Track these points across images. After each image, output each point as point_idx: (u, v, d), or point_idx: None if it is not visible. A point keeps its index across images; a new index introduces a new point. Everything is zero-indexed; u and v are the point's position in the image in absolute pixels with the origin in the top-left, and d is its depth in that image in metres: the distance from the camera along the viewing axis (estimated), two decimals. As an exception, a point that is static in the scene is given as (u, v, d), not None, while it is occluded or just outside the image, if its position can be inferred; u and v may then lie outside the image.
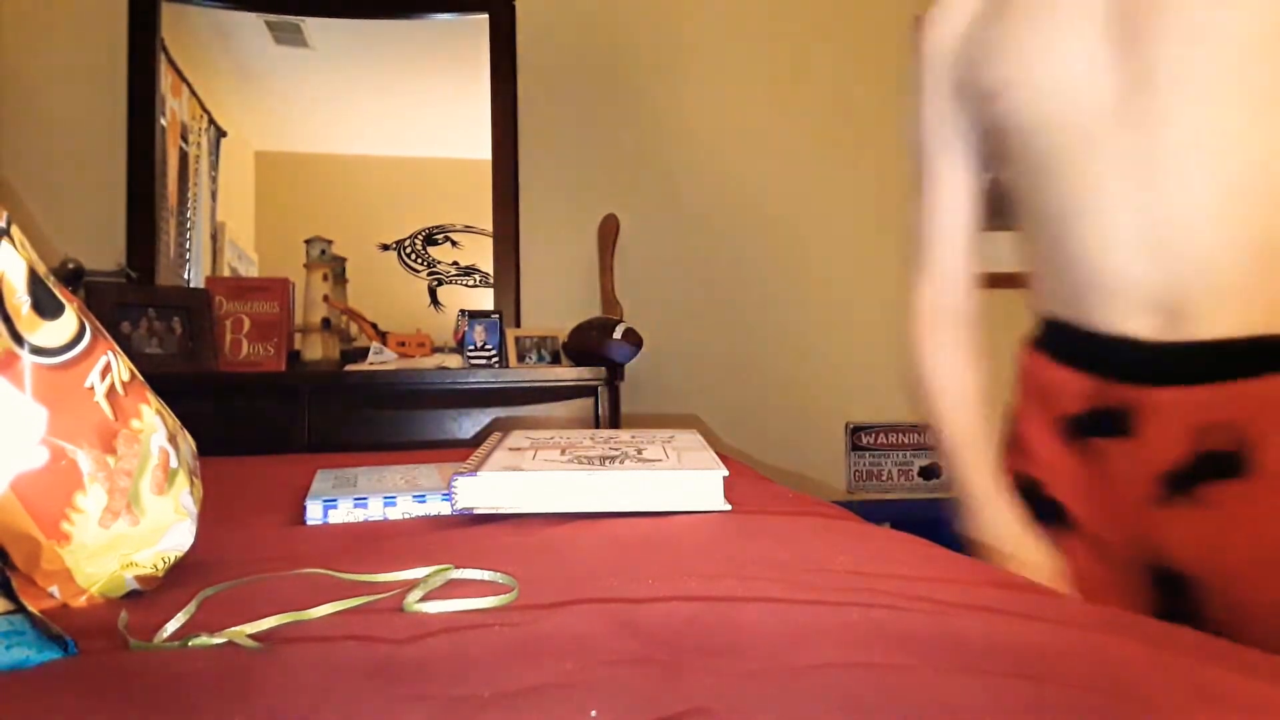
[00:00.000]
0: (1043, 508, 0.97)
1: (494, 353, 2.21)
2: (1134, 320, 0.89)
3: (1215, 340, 0.85)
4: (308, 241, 2.31)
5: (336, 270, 2.33)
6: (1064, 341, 0.97)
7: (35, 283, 0.63)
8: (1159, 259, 0.86)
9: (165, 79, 2.37)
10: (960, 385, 1.06)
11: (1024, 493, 0.99)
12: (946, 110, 1.05)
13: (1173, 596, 0.92)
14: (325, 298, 2.28)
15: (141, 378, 0.71)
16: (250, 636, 0.54)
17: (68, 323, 0.65)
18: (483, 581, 0.66)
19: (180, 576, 0.70)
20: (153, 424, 0.69)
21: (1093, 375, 0.93)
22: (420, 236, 2.46)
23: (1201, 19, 0.82)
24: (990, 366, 1.10)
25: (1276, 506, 0.84)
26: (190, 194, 2.40)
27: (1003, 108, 0.95)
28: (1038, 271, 1.00)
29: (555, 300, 2.50)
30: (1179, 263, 0.85)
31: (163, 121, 2.35)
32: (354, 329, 2.35)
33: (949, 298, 1.09)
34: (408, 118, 2.49)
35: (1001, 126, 0.97)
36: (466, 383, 2.13)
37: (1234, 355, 0.85)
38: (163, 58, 2.37)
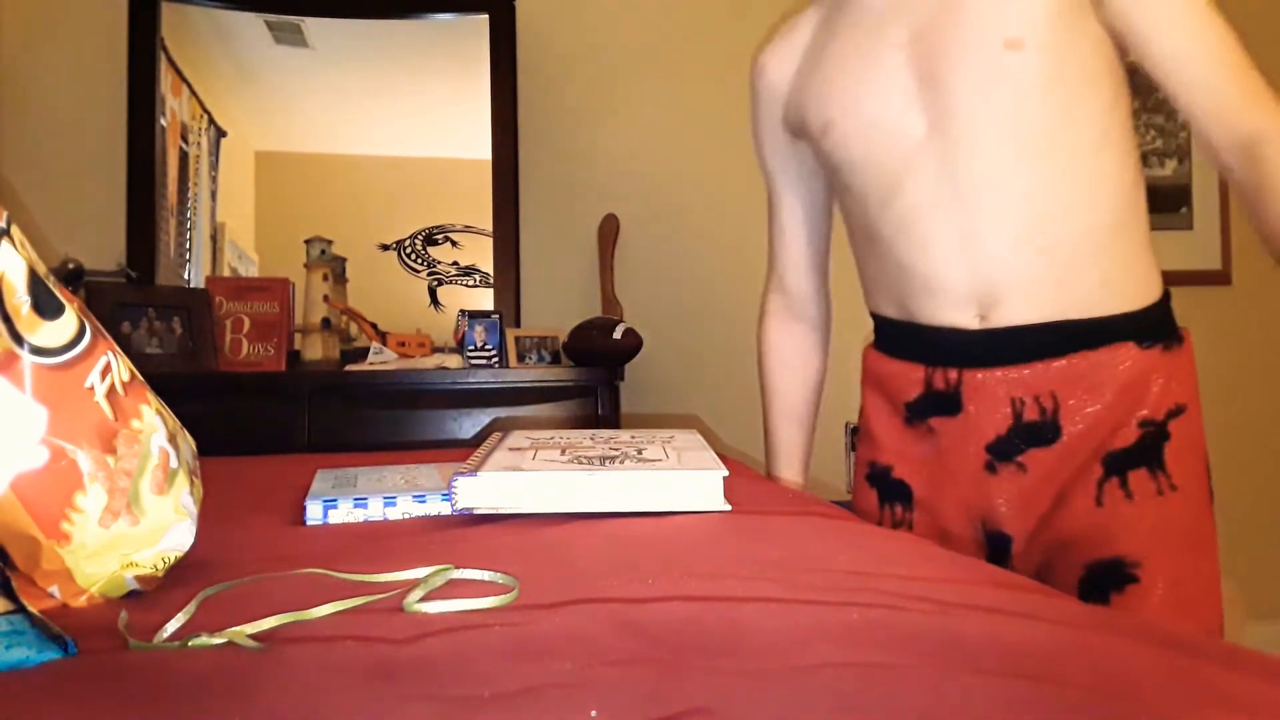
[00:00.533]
0: (892, 488, 1.14)
1: (494, 353, 2.21)
2: (955, 314, 1.04)
3: (1021, 326, 1.00)
4: (308, 241, 2.32)
5: (336, 270, 2.33)
6: (898, 338, 1.12)
7: (35, 283, 0.63)
8: (970, 264, 1.02)
9: (165, 79, 2.37)
10: (788, 404, 1.33)
11: (876, 478, 1.16)
12: (780, 143, 1.24)
13: (998, 556, 1.08)
14: (325, 298, 2.28)
15: (141, 378, 0.71)
16: (250, 636, 0.54)
17: (68, 323, 0.65)
18: (483, 581, 0.66)
19: (180, 576, 0.70)
20: (153, 424, 0.69)
21: (924, 364, 1.08)
22: (420, 236, 2.46)
23: (981, 74, 0.98)
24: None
25: (1073, 466, 1.02)
26: (190, 194, 2.40)
27: (829, 145, 1.11)
28: (872, 279, 1.15)
29: (555, 300, 2.50)
30: (986, 266, 1.01)
31: (163, 121, 2.35)
32: (354, 329, 2.35)
33: (796, 309, 1.32)
34: (408, 118, 2.49)
35: (830, 161, 1.13)
36: (466, 383, 2.13)
37: (1037, 339, 1.00)
38: (163, 58, 2.37)
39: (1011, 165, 0.99)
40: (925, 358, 1.08)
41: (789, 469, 1.34)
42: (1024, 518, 1.06)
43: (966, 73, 0.99)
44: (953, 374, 1.05)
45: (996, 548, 1.09)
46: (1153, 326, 1.04)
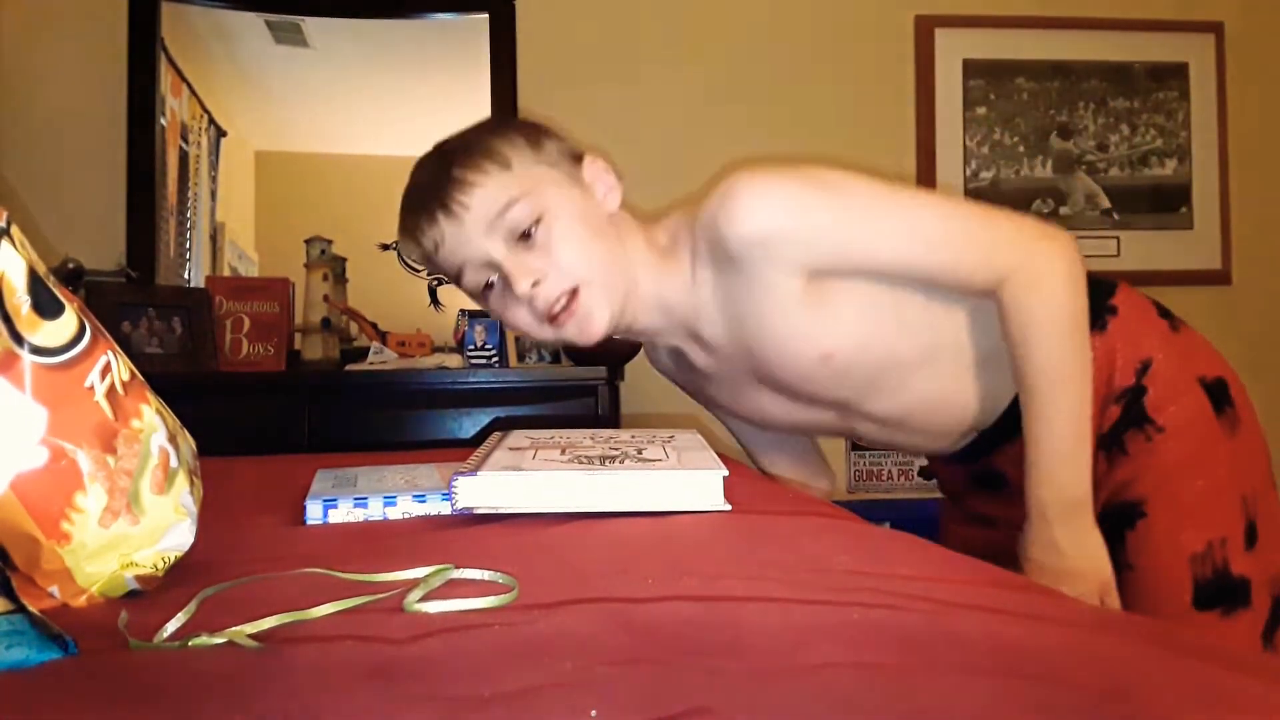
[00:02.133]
0: (969, 512, 1.29)
1: (494, 353, 2.21)
2: (959, 444, 1.20)
3: (999, 417, 1.14)
4: (308, 241, 2.31)
5: (336, 270, 2.32)
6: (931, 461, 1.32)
7: (35, 283, 0.63)
8: (941, 436, 1.19)
9: (165, 79, 2.37)
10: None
11: (956, 501, 1.32)
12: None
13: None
14: (325, 298, 2.28)
15: (141, 377, 0.71)
16: (250, 636, 0.54)
17: (68, 323, 0.65)
18: (483, 581, 0.66)
19: (180, 576, 0.70)
20: (153, 424, 0.69)
21: (961, 464, 1.23)
22: (420, 236, 2.45)
23: (828, 386, 1.11)
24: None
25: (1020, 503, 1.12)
26: (190, 194, 2.40)
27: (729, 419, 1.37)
28: None
29: (555, 300, 2.49)
30: (949, 429, 1.18)
31: (163, 121, 2.35)
32: (354, 329, 2.35)
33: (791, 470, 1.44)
34: (408, 118, 2.49)
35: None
36: (466, 383, 2.13)
37: (1017, 413, 1.08)
38: (163, 58, 2.37)
39: (907, 385, 1.12)
40: (958, 460, 1.24)
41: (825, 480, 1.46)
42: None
43: (820, 387, 1.12)
44: (982, 463, 1.20)
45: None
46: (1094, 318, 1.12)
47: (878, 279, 1.07)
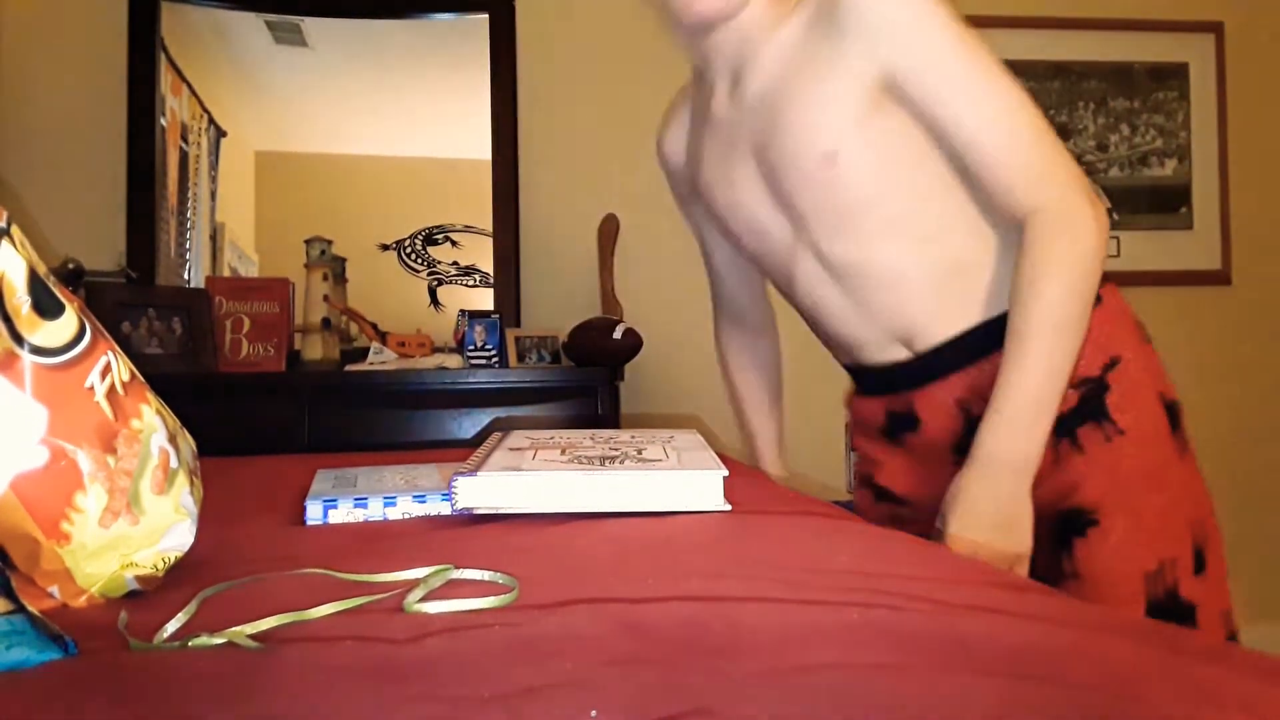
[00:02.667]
0: (886, 494, 1.25)
1: (494, 353, 2.21)
2: (887, 353, 1.16)
3: (942, 343, 1.11)
4: (308, 241, 2.31)
5: (336, 270, 2.33)
6: (859, 378, 1.26)
7: (35, 283, 0.63)
8: (875, 320, 1.14)
9: (165, 79, 2.37)
10: (760, 401, 1.50)
11: (866, 483, 1.29)
12: (694, 204, 1.35)
13: None
14: (325, 298, 2.28)
15: (141, 378, 0.71)
16: (250, 636, 0.54)
17: (68, 323, 0.65)
18: (483, 581, 0.66)
19: (180, 576, 0.70)
20: (153, 424, 0.69)
21: (882, 395, 1.20)
22: (420, 236, 2.46)
23: (813, 184, 1.08)
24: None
25: None
26: (190, 194, 2.40)
27: (731, 240, 1.26)
28: (824, 343, 1.28)
29: (555, 300, 2.50)
30: (888, 319, 1.13)
31: (163, 121, 2.35)
32: (354, 329, 2.35)
33: (742, 321, 1.47)
34: (408, 118, 2.49)
35: (738, 249, 1.28)
36: (466, 383, 2.13)
37: (963, 348, 1.10)
38: (163, 58, 2.37)
39: (866, 247, 1.10)
40: (880, 390, 1.20)
41: (770, 451, 1.50)
42: None
43: (801, 185, 1.09)
44: (906, 397, 1.16)
45: None
46: None
47: (931, 138, 1.05)
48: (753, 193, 1.15)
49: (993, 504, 1.01)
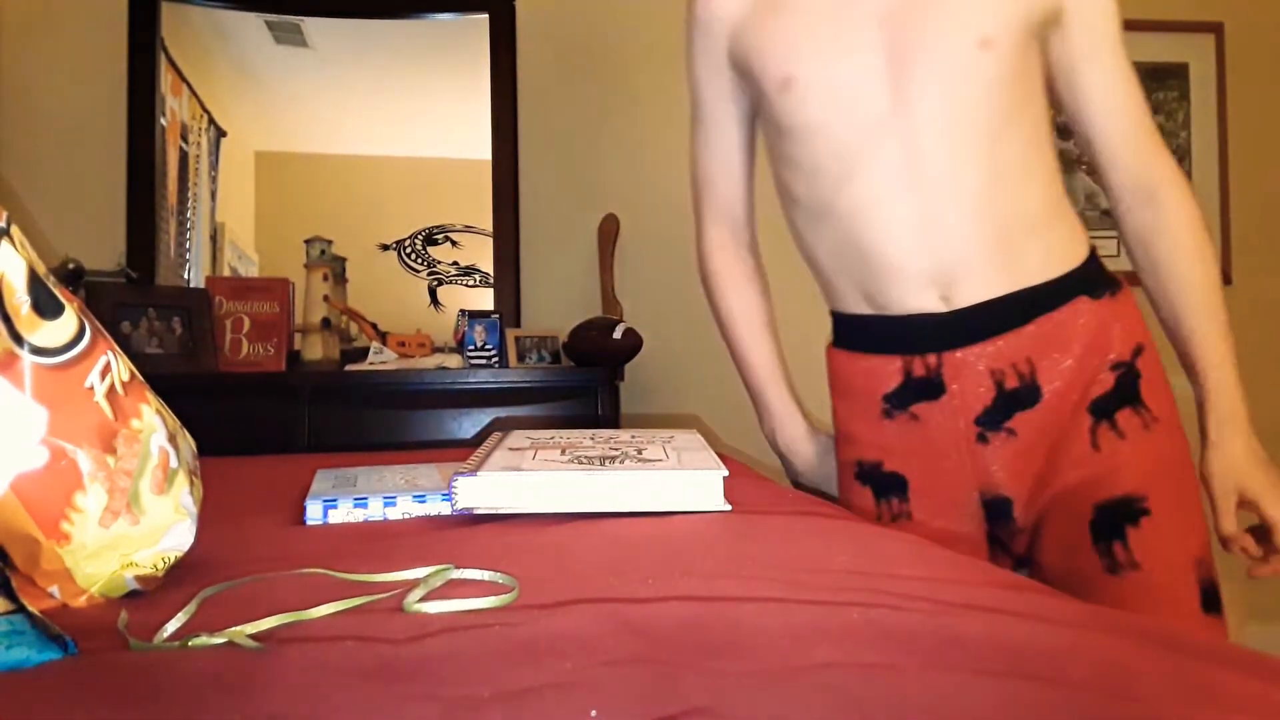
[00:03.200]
0: (885, 482, 1.15)
1: (494, 353, 2.21)
2: (920, 298, 1.07)
3: (985, 302, 1.06)
4: (308, 241, 2.31)
5: (336, 270, 2.33)
6: (868, 332, 1.13)
7: (35, 283, 0.63)
8: (929, 246, 1.05)
9: (165, 79, 2.37)
10: (754, 316, 1.27)
11: (867, 476, 1.17)
12: (723, 78, 1.19)
13: (999, 518, 1.12)
14: (325, 298, 2.28)
15: (141, 378, 0.71)
16: (250, 636, 0.54)
17: (68, 323, 0.65)
18: (483, 581, 0.66)
19: (180, 576, 0.70)
20: (153, 424, 0.69)
21: (901, 354, 1.10)
22: (420, 236, 2.46)
23: (950, 67, 1.03)
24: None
25: (1061, 420, 1.07)
26: (190, 194, 2.40)
27: (786, 103, 1.09)
28: (831, 270, 1.15)
29: (555, 300, 2.50)
30: (944, 249, 1.05)
31: (163, 121, 2.35)
32: (354, 329, 2.35)
33: (738, 237, 1.27)
34: (408, 118, 2.49)
35: (783, 121, 1.11)
36: (466, 383, 2.13)
37: (1003, 311, 1.06)
38: (163, 58, 2.37)
39: (966, 154, 1.04)
40: (901, 347, 1.11)
41: (776, 385, 1.30)
42: (1021, 478, 1.10)
43: (936, 63, 1.03)
44: (932, 359, 1.09)
45: (997, 512, 1.13)
46: (1095, 279, 1.11)
47: (1040, 88, 1.08)
48: (860, 56, 1.05)
49: (1262, 457, 1.07)
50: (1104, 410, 1.06)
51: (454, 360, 2.18)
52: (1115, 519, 1.05)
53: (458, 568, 0.68)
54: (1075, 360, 1.07)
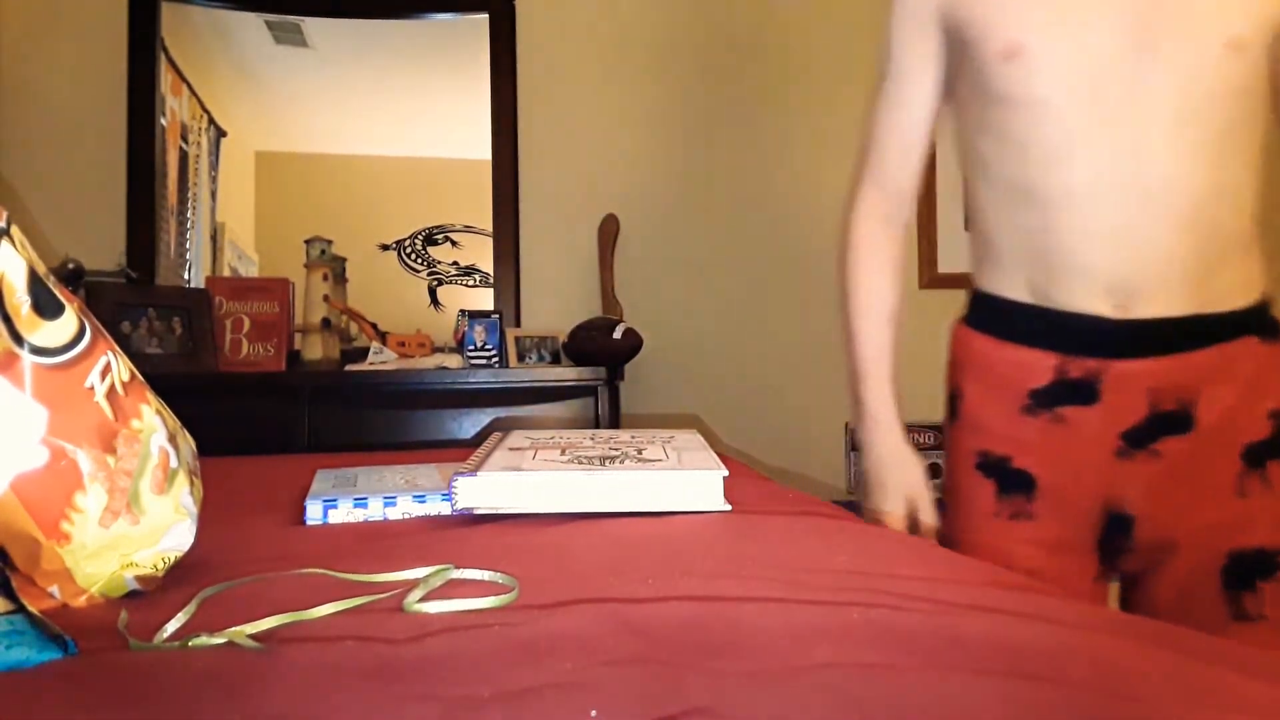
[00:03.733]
0: (1012, 478, 1.09)
1: (494, 353, 2.21)
2: (1094, 301, 1.01)
3: (1163, 318, 1.00)
4: (308, 241, 2.31)
5: (336, 270, 2.33)
6: (1024, 322, 1.07)
7: (35, 283, 0.63)
8: (1125, 250, 1.00)
9: (165, 79, 2.37)
10: (880, 305, 1.16)
11: (992, 468, 1.10)
12: (928, 41, 1.10)
13: (1116, 533, 1.08)
14: (325, 298, 2.28)
15: (141, 378, 0.71)
16: (250, 636, 0.54)
17: (68, 323, 0.65)
18: (483, 581, 0.66)
19: (180, 576, 0.70)
20: (153, 424, 0.69)
21: (1057, 352, 1.05)
22: (420, 236, 2.46)
23: (1193, 62, 0.97)
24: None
25: (1209, 455, 1.03)
26: (190, 194, 2.40)
27: (1010, 73, 1.01)
28: (1003, 250, 1.08)
29: (555, 300, 2.50)
30: (1141, 255, 0.99)
31: (163, 121, 2.35)
32: (354, 329, 2.35)
33: (893, 210, 1.16)
34: (408, 118, 2.49)
35: (1003, 90, 1.03)
36: (466, 383, 2.13)
37: (1179, 331, 1.01)
38: (163, 58, 2.37)
39: (1191, 160, 0.98)
40: (1058, 345, 1.05)
41: (875, 379, 1.16)
42: (1155, 501, 1.05)
43: (1180, 56, 0.97)
44: (1092, 364, 1.03)
45: (1116, 527, 1.08)
46: (1266, 320, 1.06)
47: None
48: (1103, 38, 0.99)
49: None
50: (1256, 457, 1.02)
51: (454, 360, 2.18)
52: (1249, 570, 1.01)
53: (458, 568, 0.68)
54: (1236, 398, 1.02)
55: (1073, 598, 0.99)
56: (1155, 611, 1.06)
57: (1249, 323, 1.04)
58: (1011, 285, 1.08)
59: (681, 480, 0.92)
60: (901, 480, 1.16)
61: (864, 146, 1.17)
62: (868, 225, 1.17)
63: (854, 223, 1.17)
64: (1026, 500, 1.08)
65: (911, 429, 2.52)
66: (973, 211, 1.13)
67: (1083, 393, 1.04)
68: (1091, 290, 1.01)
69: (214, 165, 2.44)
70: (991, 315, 1.11)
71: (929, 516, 1.15)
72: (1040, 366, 1.06)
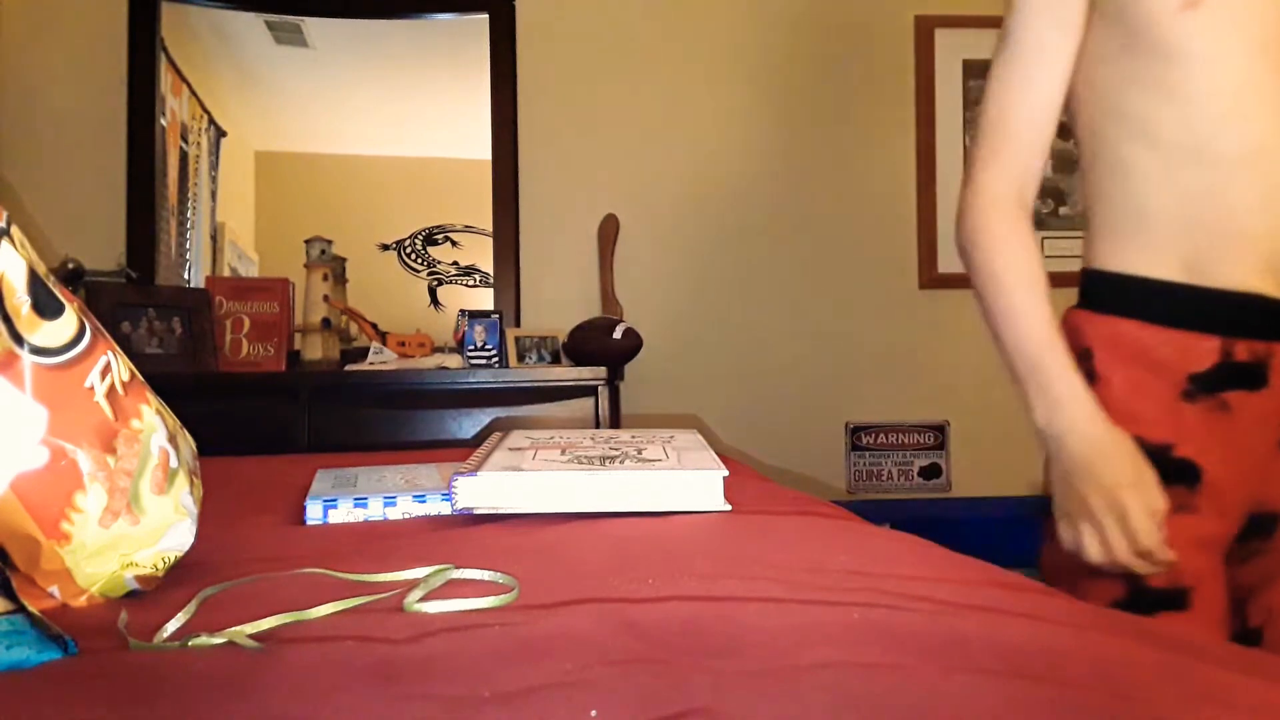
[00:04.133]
0: (1174, 468, 0.96)
1: (494, 353, 2.21)
2: (1259, 279, 0.94)
3: None
4: (308, 241, 2.31)
5: (336, 270, 2.33)
6: (1178, 303, 0.98)
7: (35, 283, 0.63)
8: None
9: (165, 79, 2.37)
10: (1034, 273, 1.02)
11: (1152, 458, 0.96)
12: (1069, 7, 1.00)
13: (1255, 533, 0.99)
14: (325, 298, 2.28)
15: (141, 378, 0.71)
16: (250, 636, 0.54)
17: (68, 323, 0.65)
18: (483, 581, 0.66)
19: (180, 576, 0.70)
20: (153, 424, 0.69)
21: (1220, 334, 0.96)
22: (420, 236, 2.46)
23: None
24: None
25: None
26: (190, 194, 2.40)
27: (1188, 25, 0.93)
28: (1155, 220, 0.99)
29: (555, 300, 2.50)
30: None
31: (163, 121, 2.35)
32: (354, 329, 2.35)
33: (1021, 188, 1.04)
34: (408, 118, 2.49)
35: (1175, 44, 0.94)
36: (466, 383, 2.13)
37: None
38: (163, 57, 2.37)
39: None
40: (1220, 327, 0.97)
41: (1056, 352, 0.99)
42: None
43: None
44: (1260, 346, 0.96)
45: (1258, 526, 1.00)
46: None
47: None
48: None
49: None
50: None
51: (454, 360, 2.18)
52: None
53: (458, 568, 0.68)
54: None
55: (1217, 607, 0.93)
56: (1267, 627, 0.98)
57: None
58: (1163, 264, 0.99)
59: (681, 480, 0.92)
60: (1128, 463, 0.96)
61: (986, 129, 1.06)
62: (990, 214, 1.04)
63: (974, 209, 1.05)
64: (1190, 492, 0.97)
65: (912, 429, 2.50)
66: (1112, 183, 1.03)
67: (1250, 376, 0.96)
68: (1255, 267, 0.94)
69: (214, 165, 2.44)
70: (1135, 297, 1.01)
71: (1159, 499, 0.95)
72: (1201, 349, 0.97)
